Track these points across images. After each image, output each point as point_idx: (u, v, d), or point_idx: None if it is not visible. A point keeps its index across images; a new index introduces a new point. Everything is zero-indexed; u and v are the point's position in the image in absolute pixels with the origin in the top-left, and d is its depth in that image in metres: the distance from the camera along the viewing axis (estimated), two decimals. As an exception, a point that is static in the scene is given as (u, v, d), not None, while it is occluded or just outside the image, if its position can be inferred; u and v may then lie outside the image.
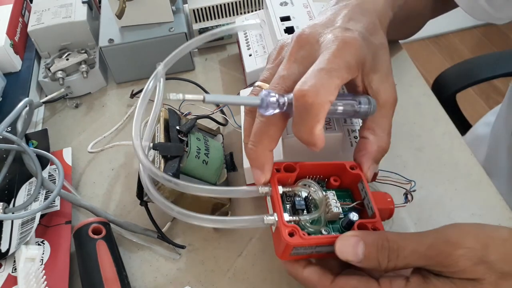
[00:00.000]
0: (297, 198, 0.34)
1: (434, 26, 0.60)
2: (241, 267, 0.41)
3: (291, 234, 0.31)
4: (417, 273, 0.31)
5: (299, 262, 0.34)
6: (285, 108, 0.33)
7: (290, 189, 0.35)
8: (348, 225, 0.34)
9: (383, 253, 0.31)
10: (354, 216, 0.33)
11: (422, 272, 0.31)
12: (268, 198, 0.35)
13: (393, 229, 0.42)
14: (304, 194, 0.35)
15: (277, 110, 0.33)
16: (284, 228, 0.32)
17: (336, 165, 0.36)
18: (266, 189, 0.34)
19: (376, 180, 0.44)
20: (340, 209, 0.34)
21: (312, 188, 0.35)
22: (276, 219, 0.33)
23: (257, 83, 0.35)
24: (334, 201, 0.34)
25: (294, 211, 0.34)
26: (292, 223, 0.32)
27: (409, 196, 0.40)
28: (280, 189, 0.34)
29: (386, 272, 0.32)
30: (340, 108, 0.35)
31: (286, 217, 0.32)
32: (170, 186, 0.35)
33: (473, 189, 0.44)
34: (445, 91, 0.75)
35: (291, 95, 0.33)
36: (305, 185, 0.35)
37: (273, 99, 0.32)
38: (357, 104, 0.36)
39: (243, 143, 0.38)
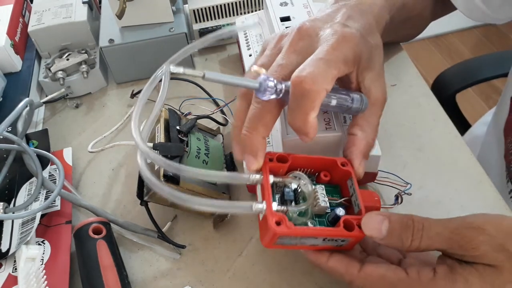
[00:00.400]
0: (286, 189, 0.34)
1: (434, 26, 0.60)
2: (241, 267, 0.41)
3: (278, 223, 0.32)
4: (442, 263, 0.32)
5: (323, 252, 0.35)
6: (281, 95, 0.34)
7: (280, 180, 0.35)
8: (334, 220, 0.34)
9: (407, 232, 0.32)
10: (340, 211, 0.34)
11: (447, 261, 0.32)
12: (258, 187, 0.35)
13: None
14: (293, 186, 0.35)
15: (273, 96, 0.33)
16: (272, 217, 0.32)
17: (328, 160, 0.37)
18: (257, 177, 0.34)
19: (375, 181, 0.44)
20: (328, 204, 0.34)
21: (302, 181, 0.35)
22: (265, 207, 0.33)
23: (254, 68, 0.35)
24: (323, 195, 0.35)
25: (283, 202, 0.34)
26: (280, 212, 0.33)
27: (399, 199, 0.40)
28: (271, 179, 0.34)
29: (408, 252, 0.33)
30: (334, 101, 0.36)
31: (275, 206, 0.33)
32: (168, 169, 0.35)
33: (473, 189, 0.44)
34: (445, 91, 0.75)
35: (288, 83, 0.33)
36: (295, 177, 0.35)
37: (271, 84, 0.33)
38: (350, 99, 0.36)
39: (232, 127, 0.37)
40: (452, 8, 0.54)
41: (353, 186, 0.36)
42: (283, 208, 0.33)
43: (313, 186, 0.35)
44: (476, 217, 0.32)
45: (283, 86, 0.33)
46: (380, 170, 0.44)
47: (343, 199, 0.36)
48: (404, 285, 0.32)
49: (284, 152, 0.36)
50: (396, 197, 0.41)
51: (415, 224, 0.32)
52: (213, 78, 0.32)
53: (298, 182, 0.35)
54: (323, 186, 0.36)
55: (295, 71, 0.33)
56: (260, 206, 0.33)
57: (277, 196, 0.35)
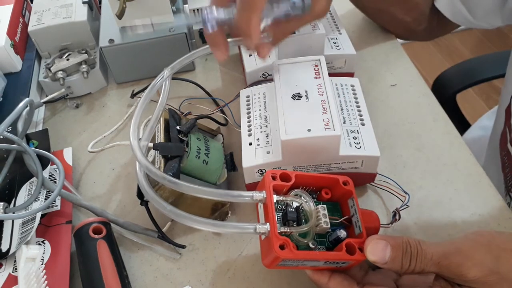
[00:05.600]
0: (289, 209, 0.34)
1: (434, 26, 0.61)
2: (241, 267, 0.41)
3: (281, 247, 0.32)
4: (438, 285, 0.33)
5: (324, 272, 0.35)
6: (225, 19, 0.38)
7: (283, 198, 0.35)
8: (336, 241, 0.34)
9: (406, 257, 0.32)
10: (342, 233, 0.34)
11: (441, 283, 0.33)
12: (260, 205, 0.35)
13: (394, 228, 0.42)
14: (295, 205, 0.35)
15: (215, 27, 0.38)
16: (276, 240, 0.32)
17: (330, 178, 0.37)
18: (260, 196, 0.34)
19: (373, 184, 0.44)
20: (329, 224, 0.34)
21: (304, 199, 0.35)
22: (269, 229, 0.33)
23: None
24: (324, 215, 0.35)
25: (285, 222, 0.34)
26: (283, 234, 0.33)
27: (397, 215, 0.40)
28: (274, 198, 0.34)
29: (404, 274, 0.33)
30: (276, 9, 0.39)
31: (278, 228, 0.33)
32: (166, 185, 0.36)
33: (473, 189, 0.44)
34: (445, 92, 0.75)
35: (228, 11, 0.38)
36: (297, 195, 0.36)
37: (212, 18, 0.38)
38: (292, 4, 0.39)
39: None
40: (449, 26, 0.57)
41: (354, 207, 0.36)
42: (287, 229, 0.33)
43: (315, 205, 0.35)
44: (465, 241, 0.32)
45: (225, 11, 0.38)
46: (379, 174, 0.44)
47: (343, 218, 0.36)
48: None
49: (287, 170, 0.36)
50: (394, 213, 0.41)
51: (412, 250, 0.32)
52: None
53: (300, 201, 0.35)
54: (324, 206, 0.35)
55: None
56: (264, 227, 0.33)
57: (279, 215, 0.35)
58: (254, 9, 0.37)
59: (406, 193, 0.42)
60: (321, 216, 0.34)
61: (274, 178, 0.35)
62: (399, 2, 0.54)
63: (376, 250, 0.33)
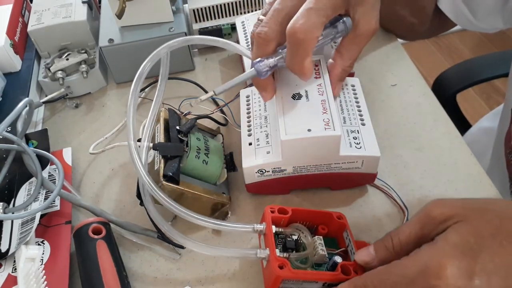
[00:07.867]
0: (288, 239, 0.37)
1: (435, 26, 0.61)
2: (241, 267, 0.41)
3: (280, 267, 0.34)
4: None
5: None
6: (277, 65, 0.40)
7: (282, 230, 0.37)
8: (333, 268, 0.36)
9: (387, 238, 0.35)
10: (338, 258, 0.36)
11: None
12: (262, 237, 0.38)
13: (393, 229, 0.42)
14: (294, 237, 0.38)
15: (269, 72, 0.40)
16: (275, 261, 0.34)
17: (324, 213, 0.39)
18: (260, 228, 0.37)
19: (372, 184, 0.44)
20: (326, 252, 0.37)
21: (303, 233, 0.38)
22: (268, 252, 0.36)
23: (259, 17, 0.40)
24: (321, 244, 0.37)
25: (285, 250, 0.37)
26: (283, 258, 0.35)
27: None
28: (273, 229, 0.37)
29: (400, 256, 0.34)
30: (322, 40, 0.40)
31: (277, 252, 0.35)
32: (167, 206, 0.38)
33: (473, 189, 0.44)
34: (445, 91, 0.75)
35: (277, 58, 0.39)
36: (296, 228, 0.38)
37: (265, 69, 0.39)
38: (335, 31, 0.41)
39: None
40: (449, 25, 0.57)
41: (348, 237, 0.38)
42: (285, 254, 0.36)
43: (313, 237, 0.38)
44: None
45: (274, 59, 0.39)
46: (379, 179, 0.44)
47: (340, 249, 0.38)
48: (396, 263, 0.33)
49: (285, 206, 0.38)
50: None
51: (390, 233, 0.35)
52: (223, 89, 0.40)
53: (298, 233, 0.38)
54: (321, 237, 0.38)
55: (289, 23, 0.37)
56: (264, 252, 0.36)
57: (279, 246, 0.37)
58: (305, 52, 0.37)
59: (405, 207, 0.43)
60: (318, 245, 0.37)
61: (272, 211, 0.38)
62: (409, 4, 0.54)
63: (360, 253, 0.35)
